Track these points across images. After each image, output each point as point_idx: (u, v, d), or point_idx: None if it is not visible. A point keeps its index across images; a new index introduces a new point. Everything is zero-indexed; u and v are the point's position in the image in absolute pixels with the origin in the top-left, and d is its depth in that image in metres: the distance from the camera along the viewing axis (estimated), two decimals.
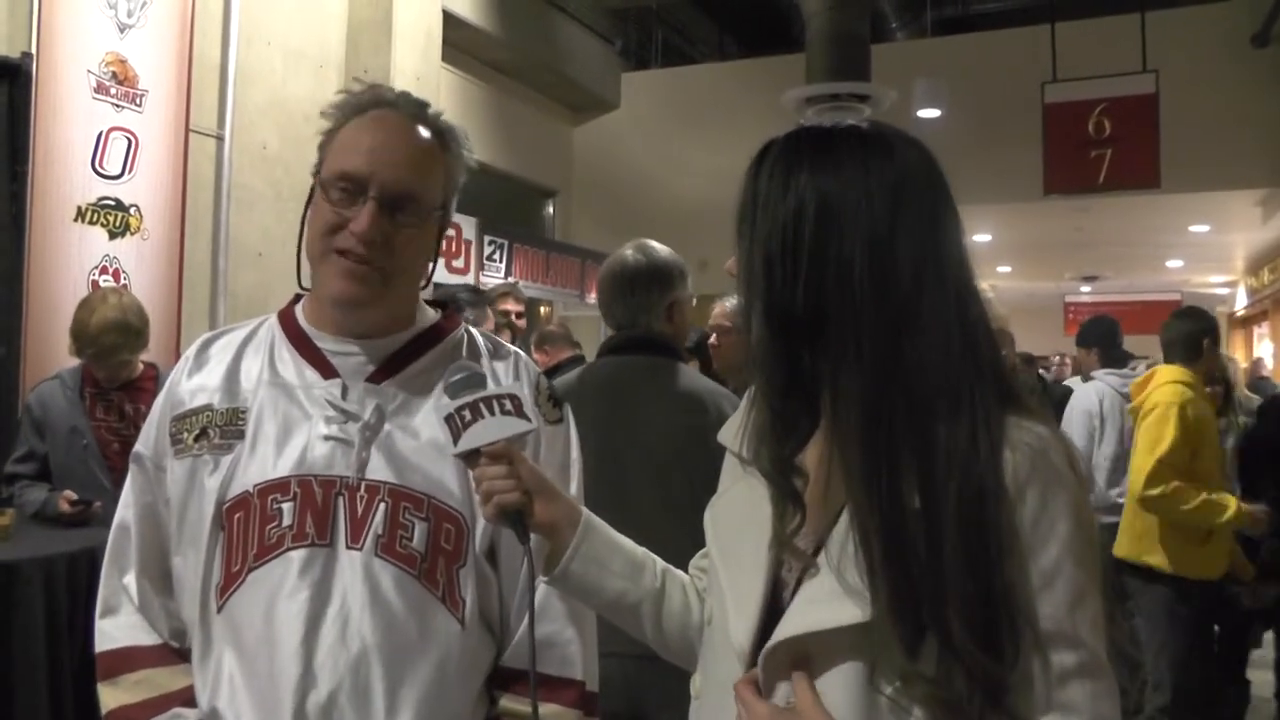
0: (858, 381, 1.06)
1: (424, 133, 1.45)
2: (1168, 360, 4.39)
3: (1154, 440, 4.02)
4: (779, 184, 1.11)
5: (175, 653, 1.46)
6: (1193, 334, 4.32)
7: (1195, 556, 4.10)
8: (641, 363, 2.60)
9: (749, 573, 1.14)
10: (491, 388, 1.29)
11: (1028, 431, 1.04)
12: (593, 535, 1.29)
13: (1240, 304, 17.46)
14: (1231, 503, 4.01)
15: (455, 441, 1.25)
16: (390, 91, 1.49)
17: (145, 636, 1.46)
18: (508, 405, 1.27)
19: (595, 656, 1.50)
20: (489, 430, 1.25)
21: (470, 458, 1.26)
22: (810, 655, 1.05)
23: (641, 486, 2.42)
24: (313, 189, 1.45)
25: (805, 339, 1.10)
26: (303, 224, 1.45)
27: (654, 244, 2.69)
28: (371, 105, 1.45)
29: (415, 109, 1.47)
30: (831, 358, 1.09)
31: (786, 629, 1.06)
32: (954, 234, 1.11)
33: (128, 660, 1.45)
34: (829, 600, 1.03)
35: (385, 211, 1.38)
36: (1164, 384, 4.21)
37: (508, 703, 1.42)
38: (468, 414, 1.25)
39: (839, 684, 1.03)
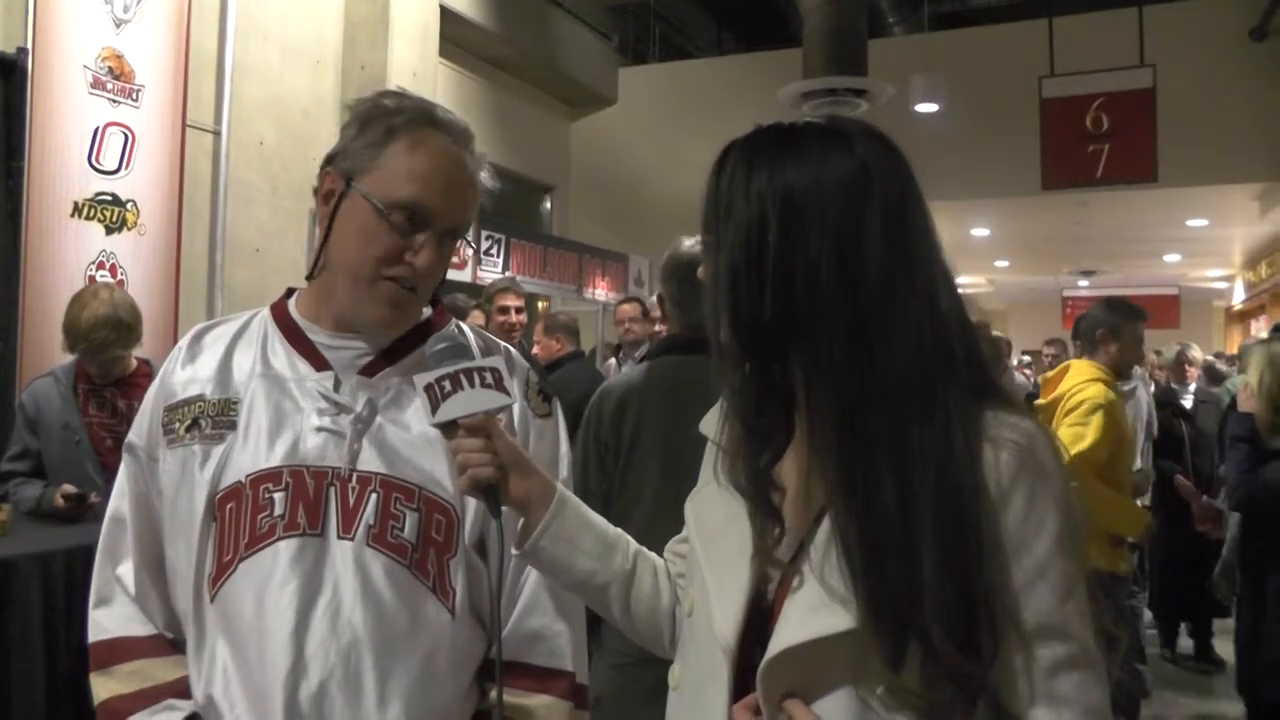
0: (830, 388, 1.05)
1: (471, 166, 1.44)
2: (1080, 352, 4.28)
3: (1075, 436, 3.83)
4: (740, 189, 1.09)
5: (169, 644, 1.46)
6: (1093, 325, 4.19)
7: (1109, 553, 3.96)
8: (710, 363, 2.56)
9: (732, 568, 1.14)
10: (473, 360, 1.29)
11: (1012, 428, 1.04)
12: (565, 513, 1.29)
13: (1238, 298, 17.49)
14: (1146, 518, 3.99)
15: (433, 411, 1.25)
16: (438, 109, 1.45)
17: (139, 627, 1.47)
18: (488, 378, 1.27)
19: (584, 649, 1.51)
20: (467, 402, 1.25)
21: (448, 429, 1.26)
22: (806, 668, 1.04)
23: None
24: (340, 195, 1.41)
25: (775, 347, 1.09)
26: (328, 226, 1.43)
27: None
28: (425, 124, 1.42)
29: (465, 139, 1.45)
30: (803, 366, 1.08)
31: (780, 642, 1.05)
32: (921, 226, 1.09)
33: (121, 651, 1.46)
34: (817, 610, 1.03)
35: (441, 243, 1.40)
36: (1085, 380, 4.04)
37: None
38: (448, 385, 1.26)
39: (836, 696, 1.03)
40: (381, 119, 1.41)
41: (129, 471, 1.51)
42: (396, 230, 1.37)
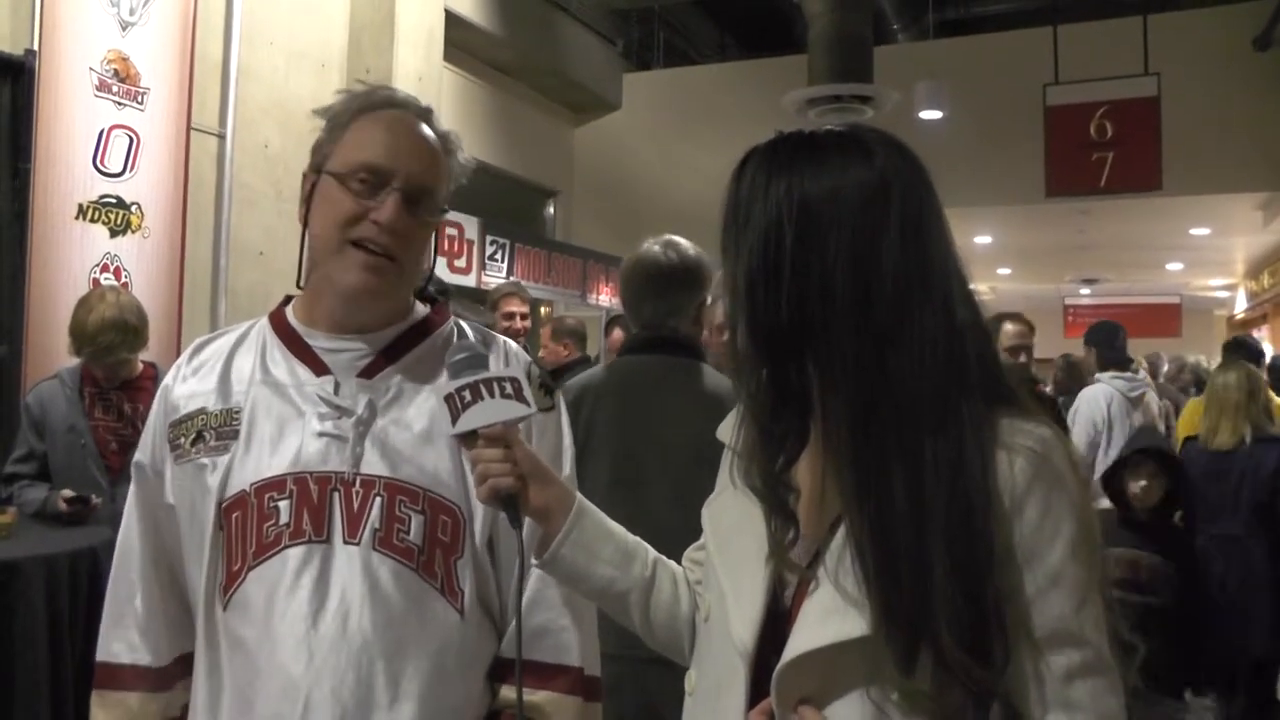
0: (844, 394, 1.06)
1: (431, 134, 1.48)
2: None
3: None
4: (759, 195, 1.10)
5: (169, 677, 1.48)
6: None
7: None
8: (665, 363, 2.57)
9: (750, 573, 1.14)
10: (493, 370, 1.29)
11: (1028, 435, 1.04)
12: (585, 521, 1.30)
13: (1240, 307, 17.47)
14: None
15: (454, 422, 1.25)
16: (397, 92, 1.52)
17: (140, 656, 1.49)
18: (508, 389, 1.27)
19: (594, 641, 1.51)
20: (487, 412, 1.25)
21: (467, 438, 1.26)
22: (821, 672, 1.04)
23: (658, 486, 2.40)
24: (312, 186, 1.46)
25: (791, 354, 1.10)
26: (305, 222, 1.47)
27: (682, 241, 2.65)
28: (383, 104, 1.48)
29: (422, 111, 1.50)
30: (818, 372, 1.09)
31: (795, 647, 1.05)
32: (940, 238, 1.10)
33: (116, 678, 1.49)
34: (832, 615, 1.03)
35: (406, 204, 1.41)
36: None
37: (508, 692, 1.43)
38: (468, 395, 1.26)
39: (850, 700, 1.03)
40: (342, 110, 1.47)
41: (138, 494, 1.53)
42: (355, 193, 1.40)
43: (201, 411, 1.45)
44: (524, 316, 5.10)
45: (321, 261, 1.44)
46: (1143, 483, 3.79)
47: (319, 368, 1.45)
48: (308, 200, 1.47)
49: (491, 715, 1.44)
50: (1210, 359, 11.95)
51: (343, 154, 1.43)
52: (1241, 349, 6.59)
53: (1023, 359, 4.67)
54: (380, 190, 1.41)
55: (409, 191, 1.42)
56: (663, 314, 2.59)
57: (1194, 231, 13.12)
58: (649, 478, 2.43)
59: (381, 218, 1.39)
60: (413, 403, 1.44)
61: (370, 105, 1.47)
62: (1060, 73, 9.45)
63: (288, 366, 1.46)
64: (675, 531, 1.43)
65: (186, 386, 1.49)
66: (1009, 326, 4.68)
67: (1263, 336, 15.26)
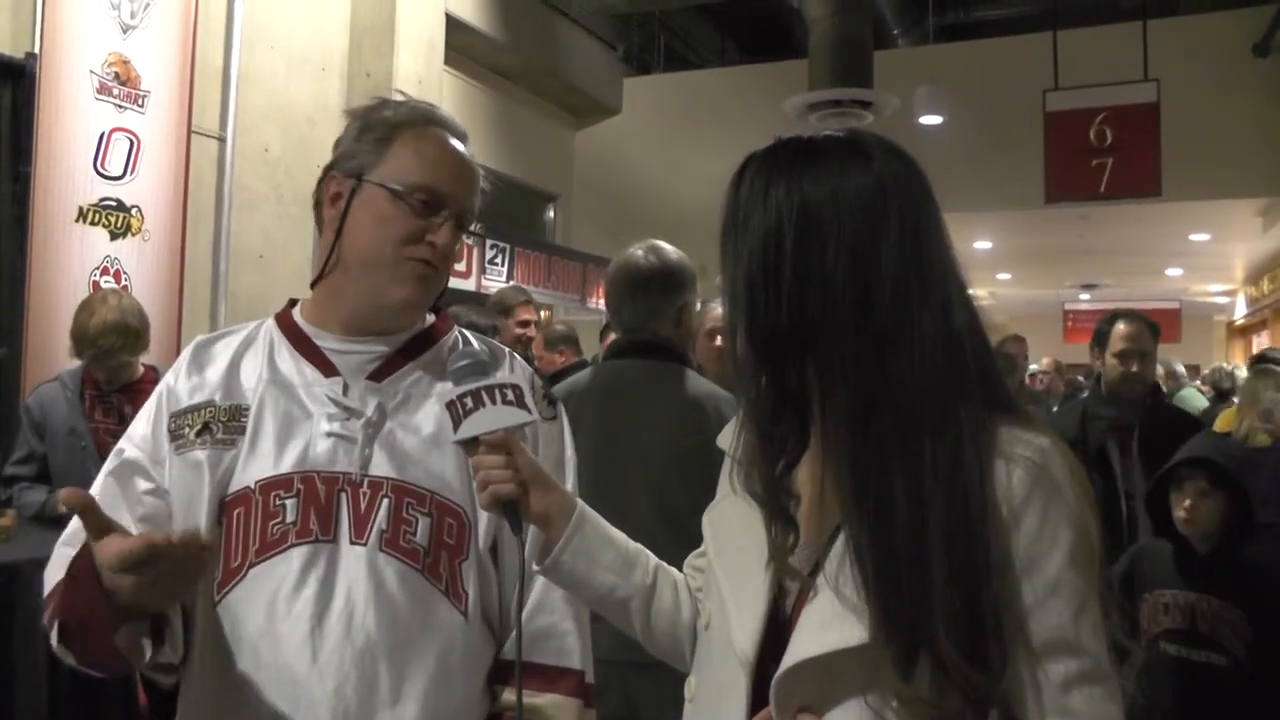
0: (844, 399, 1.06)
1: (471, 159, 1.52)
2: None
3: None
4: (759, 199, 1.10)
5: None
6: None
7: None
8: (647, 367, 2.58)
9: (751, 580, 1.14)
10: (495, 377, 1.30)
11: (1027, 444, 1.04)
12: (586, 528, 1.30)
13: (1239, 313, 17.49)
14: None
15: (456, 428, 1.26)
16: (437, 108, 1.54)
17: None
18: (509, 395, 1.28)
19: (590, 647, 1.52)
20: (489, 419, 1.26)
21: (469, 445, 1.27)
22: (820, 679, 1.04)
23: (640, 492, 2.40)
24: (351, 192, 1.45)
25: (791, 357, 1.10)
26: (338, 224, 1.46)
27: (664, 245, 2.65)
28: (429, 121, 1.50)
29: (463, 135, 1.53)
30: (818, 375, 1.09)
31: (795, 654, 1.05)
32: (938, 242, 1.10)
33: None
34: (832, 622, 1.03)
35: (458, 227, 1.46)
36: None
37: (509, 695, 1.43)
38: (469, 401, 1.26)
39: (850, 706, 1.03)
40: (382, 120, 1.48)
41: (104, 479, 1.45)
42: (415, 212, 1.43)
43: (209, 404, 1.45)
44: (535, 324, 5.17)
45: (363, 271, 1.45)
46: (1188, 501, 2.98)
47: (328, 369, 1.46)
48: (341, 202, 1.46)
49: (492, 718, 1.45)
50: (1206, 365, 11.99)
51: (395, 169, 1.44)
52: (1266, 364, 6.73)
53: (1134, 368, 3.78)
54: (434, 212, 1.44)
55: (459, 216, 1.47)
56: (641, 317, 2.59)
57: (1193, 237, 13.15)
58: (630, 482, 2.43)
59: (440, 242, 1.44)
60: (420, 407, 1.45)
61: (416, 120, 1.49)
62: (1060, 78, 9.47)
63: (296, 367, 1.47)
64: (656, 535, 1.44)
65: (192, 380, 1.49)
66: (1121, 326, 3.86)
67: (1262, 342, 15.27)
